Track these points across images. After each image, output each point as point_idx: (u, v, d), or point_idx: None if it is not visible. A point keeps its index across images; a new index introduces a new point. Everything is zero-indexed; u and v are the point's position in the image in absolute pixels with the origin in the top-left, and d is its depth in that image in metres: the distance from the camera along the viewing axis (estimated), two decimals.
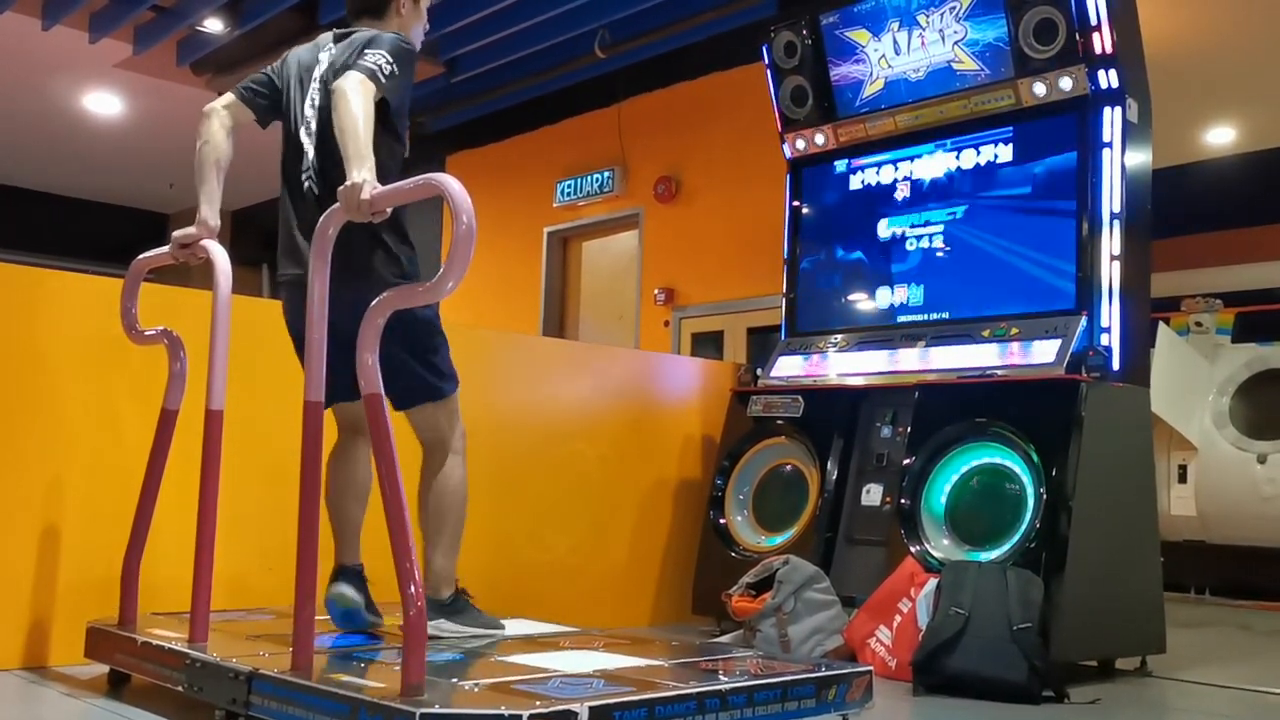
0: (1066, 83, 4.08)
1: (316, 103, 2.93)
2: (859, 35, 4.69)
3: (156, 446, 3.08)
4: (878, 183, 4.70)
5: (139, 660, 2.83)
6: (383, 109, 2.76)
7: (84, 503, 3.35)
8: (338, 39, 3.01)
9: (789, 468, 4.59)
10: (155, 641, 2.79)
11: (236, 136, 3.05)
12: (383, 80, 2.73)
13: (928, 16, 4.46)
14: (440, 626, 2.91)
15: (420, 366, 2.93)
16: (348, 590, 2.95)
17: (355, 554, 3.06)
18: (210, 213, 3.00)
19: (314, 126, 2.92)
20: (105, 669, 3.01)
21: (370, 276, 2.78)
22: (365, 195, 2.48)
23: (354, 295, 2.61)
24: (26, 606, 3.23)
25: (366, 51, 2.79)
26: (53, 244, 12.30)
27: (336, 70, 2.84)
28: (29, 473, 3.29)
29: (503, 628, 3.09)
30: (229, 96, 3.08)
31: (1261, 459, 6.24)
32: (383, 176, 2.62)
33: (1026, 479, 3.76)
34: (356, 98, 2.64)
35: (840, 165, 4.83)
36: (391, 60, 2.78)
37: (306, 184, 2.91)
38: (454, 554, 3.02)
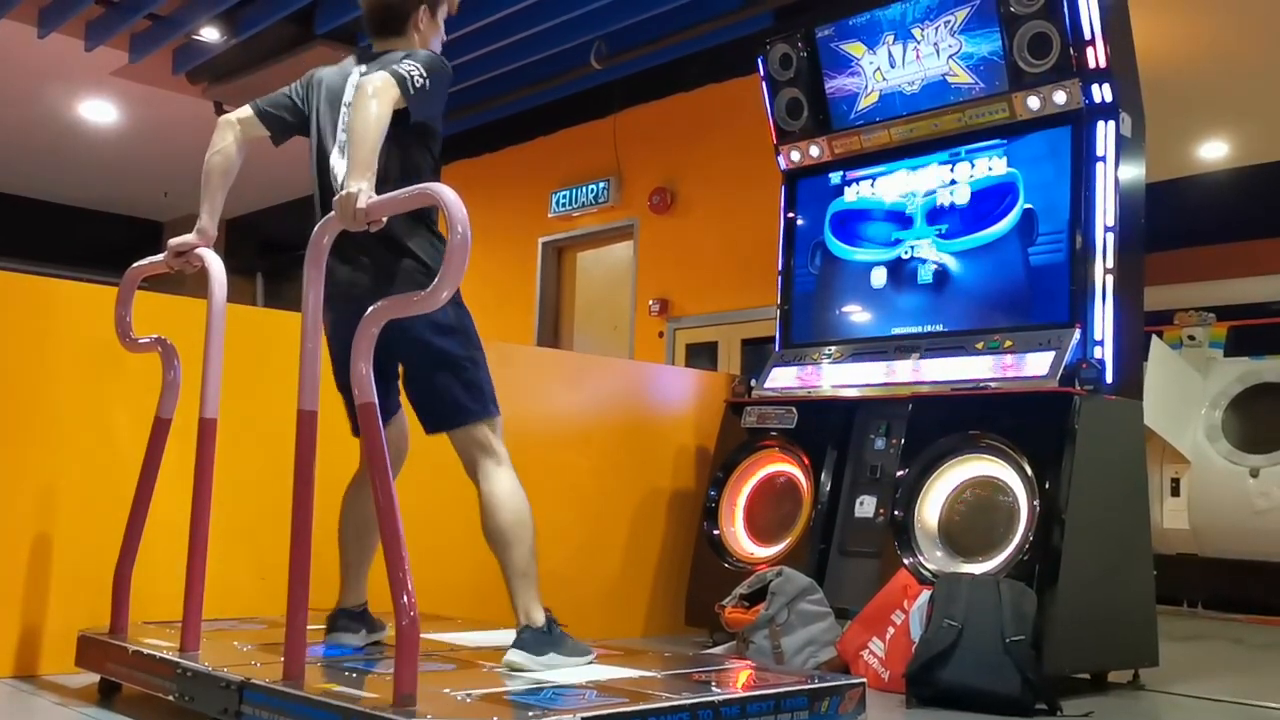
0: (1060, 97, 4.10)
1: (347, 128, 2.83)
2: (854, 48, 4.71)
3: (149, 455, 3.07)
4: (872, 195, 4.71)
5: (130, 669, 2.82)
6: (403, 116, 2.70)
7: (76, 511, 3.34)
8: (363, 60, 2.96)
9: (783, 479, 4.59)
10: (146, 650, 2.78)
11: (247, 150, 3.01)
12: (410, 90, 2.67)
13: (923, 30, 4.48)
14: (550, 661, 2.71)
15: (454, 386, 2.85)
16: (343, 638, 2.94)
17: (358, 594, 3.01)
18: (209, 222, 2.99)
19: (346, 151, 2.80)
20: (96, 678, 3.00)
21: (402, 287, 2.72)
22: (361, 204, 2.47)
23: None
24: (17, 615, 3.22)
25: (404, 60, 2.74)
26: (47, 251, 12.28)
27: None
28: (21, 480, 3.28)
29: (592, 653, 2.86)
30: (246, 110, 3.02)
31: (1254, 473, 6.25)
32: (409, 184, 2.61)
33: (1019, 491, 3.77)
34: (375, 101, 2.58)
35: (835, 177, 4.84)
36: (425, 74, 2.71)
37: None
38: (533, 574, 2.82)
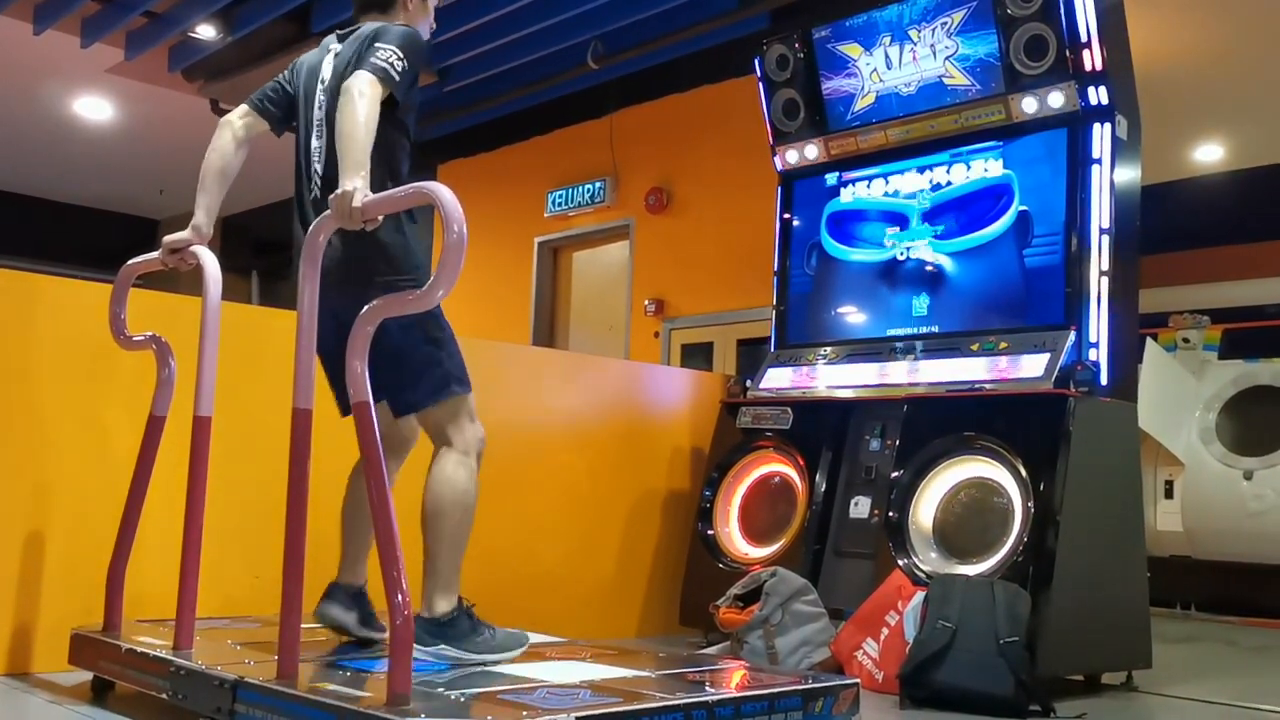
0: (1057, 99, 4.11)
1: (324, 107, 2.88)
2: (851, 49, 4.71)
3: (144, 452, 3.06)
4: (868, 196, 4.72)
5: (123, 667, 2.82)
6: (390, 104, 2.72)
7: (70, 509, 3.33)
8: (342, 38, 2.96)
9: (777, 480, 4.59)
10: (140, 649, 2.77)
11: (248, 148, 3.01)
12: (394, 78, 2.70)
13: (919, 31, 4.49)
14: (440, 652, 2.72)
15: (418, 367, 2.84)
16: (334, 610, 2.91)
17: (356, 573, 2.99)
18: (205, 220, 2.99)
19: (323, 132, 2.87)
20: (89, 676, 2.99)
21: (378, 281, 2.72)
22: (356, 203, 2.47)
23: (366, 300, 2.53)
24: (10, 613, 3.21)
25: (377, 46, 2.75)
26: (42, 249, 12.27)
27: (344, 68, 2.79)
28: (15, 478, 3.27)
29: (521, 644, 2.86)
30: (243, 108, 3.03)
31: (1248, 475, 6.26)
32: (392, 171, 2.68)
33: (1014, 493, 3.77)
34: (363, 101, 2.60)
35: (831, 178, 4.84)
36: (403, 56, 2.73)
37: (314, 192, 2.87)
38: (450, 562, 2.79)
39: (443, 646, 2.73)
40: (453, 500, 2.80)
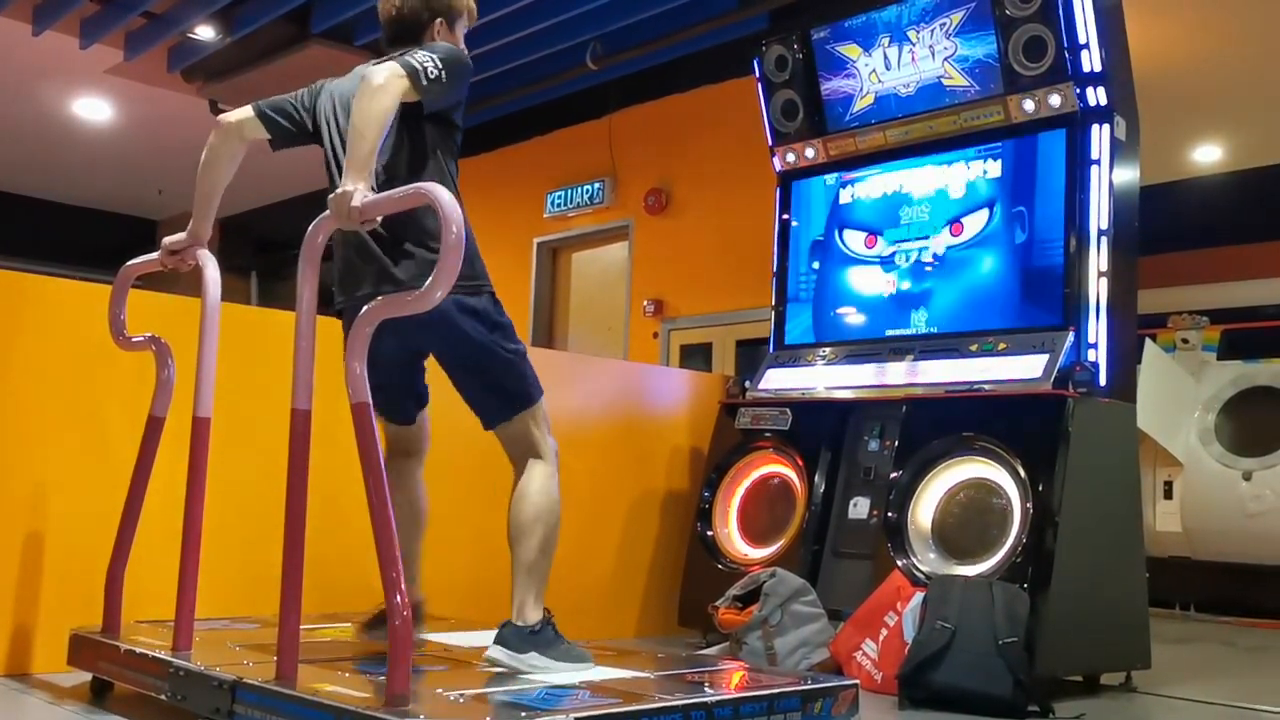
0: (1055, 100, 4.11)
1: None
2: (850, 50, 4.71)
3: (143, 454, 3.06)
4: (867, 196, 4.72)
5: (122, 668, 2.82)
6: (416, 108, 2.66)
7: (69, 509, 3.33)
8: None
9: (776, 480, 4.59)
10: (139, 649, 2.78)
11: (246, 152, 2.97)
12: (423, 80, 2.57)
13: (918, 32, 4.49)
14: (530, 661, 2.66)
15: (499, 377, 2.84)
16: (379, 635, 2.84)
17: (411, 590, 2.88)
18: (203, 223, 2.98)
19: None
20: (88, 677, 2.99)
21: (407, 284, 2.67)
22: (355, 203, 2.45)
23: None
24: (9, 613, 3.22)
25: (418, 50, 2.66)
26: (41, 249, 12.26)
27: None
28: (14, 478, 3.27)
29: (590, 661, 2.78)
30: (247, 111, 2.93)
31: (1246, 476, 6.27)
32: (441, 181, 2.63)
33: (1013, 493, 3.77)
34: (380, 96, 2.50)
35: (830, 179, 4.84)
36: (441, 66, 2.62)
37: None
38: (539, 571, 2.77)
39: (534, 655, 2.69)
40: (549, 510, 2.82)
